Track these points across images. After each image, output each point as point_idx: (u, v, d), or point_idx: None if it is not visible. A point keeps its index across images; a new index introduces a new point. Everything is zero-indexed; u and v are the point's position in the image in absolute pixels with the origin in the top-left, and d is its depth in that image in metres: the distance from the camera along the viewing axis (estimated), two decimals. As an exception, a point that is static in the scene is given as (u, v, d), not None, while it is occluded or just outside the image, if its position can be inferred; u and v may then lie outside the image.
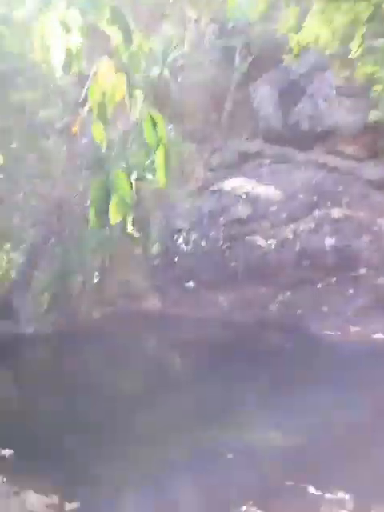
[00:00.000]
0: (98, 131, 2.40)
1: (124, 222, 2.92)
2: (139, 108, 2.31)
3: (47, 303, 11.91)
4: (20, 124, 13.85)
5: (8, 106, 13.43)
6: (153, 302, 13.56)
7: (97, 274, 13.21)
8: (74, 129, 2.77)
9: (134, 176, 2.92)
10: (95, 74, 2.25)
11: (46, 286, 12.00)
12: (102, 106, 2.30)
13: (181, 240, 13.93)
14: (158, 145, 2.50)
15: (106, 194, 2.50)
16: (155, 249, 14.25)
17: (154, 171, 9.39)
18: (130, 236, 11.37)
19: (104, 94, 2.24)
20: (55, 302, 11.91)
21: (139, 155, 11.09)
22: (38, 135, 14.39)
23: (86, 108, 2.33)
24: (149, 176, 10.72)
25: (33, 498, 5.29)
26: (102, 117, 2.32)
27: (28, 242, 12.72)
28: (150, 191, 10.85)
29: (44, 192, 13.37)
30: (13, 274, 12.42)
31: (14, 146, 13.71)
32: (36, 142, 14.14)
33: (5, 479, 5.61)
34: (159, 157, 2.56)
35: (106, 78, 2.26)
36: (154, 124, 2.38)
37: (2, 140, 13.20)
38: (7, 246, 13.33)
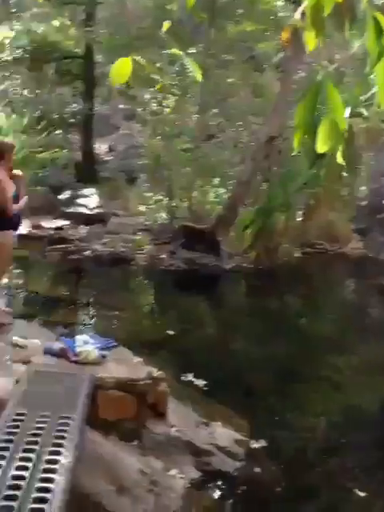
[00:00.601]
0: (311, 39, 2.08)
1: (332, 157, 2.65)
2: (361, 10, 1.93)
3: (249, 240, 11.97)
4: (237, 57, 13.77)
5: (226, 39, 13.38)
6: (356, 246, 13.15)
7: (301, 213, 13.01)
8: (284, 35, 2.44)
9: (347, 111, 2.63)
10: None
11: (249, 222, 12.04)
12: (317, 8, 1.97)
13: (390, 182, 13.24)
14: (380, 56, 2.02)
15: (315, 118, 2.19)
16: (363, 190, 13.71)
17: (368, 107, 8.74)
18: (338, 176, 10.95)
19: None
20: (257, 238, 11.93)
21: (355, 90, 10.46)
22: (253, 69, 14.24)
23: (299, 11, 2.03)
24: (363, 112, 10.09)
25: (220, 431, 5.33)
26: (317, 22, 1.98)
27: (235, 177, 12.80)
28: (362, 129, 10.23)
29: (255, 128, 13.29)
30: (219, 209, 12.63)
31: (230, 80, 13.69)
32: (251, 76, 14.01)
33: (195, 408, 5.73)
34: (380, 71, 2.08)
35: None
36: (379, 30, 2.00)
37: (220, 74, 13.24)
38: (216, 181, 13.57)
